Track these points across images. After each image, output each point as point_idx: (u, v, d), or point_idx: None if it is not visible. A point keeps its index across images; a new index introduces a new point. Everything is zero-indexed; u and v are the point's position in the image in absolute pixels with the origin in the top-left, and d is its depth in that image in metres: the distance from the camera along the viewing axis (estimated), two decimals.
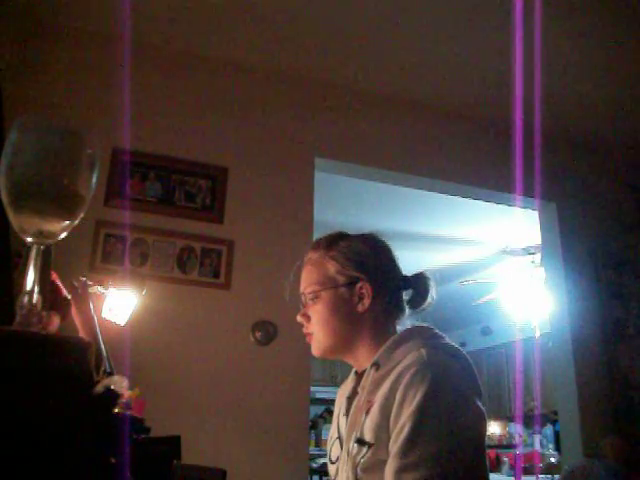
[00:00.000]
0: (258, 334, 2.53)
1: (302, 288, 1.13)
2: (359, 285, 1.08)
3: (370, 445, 0.93)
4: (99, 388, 0.65)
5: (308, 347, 2.84)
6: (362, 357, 1.08)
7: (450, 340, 1.04)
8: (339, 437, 1.08)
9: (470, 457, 0.89)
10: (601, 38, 2.63)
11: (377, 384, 0.99)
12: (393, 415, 0.91)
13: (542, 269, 3.49)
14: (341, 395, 1.17)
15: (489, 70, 2.85)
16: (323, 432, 6.98)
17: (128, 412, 0.81)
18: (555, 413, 4.83)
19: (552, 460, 5.01)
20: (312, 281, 1.11)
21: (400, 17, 2.54)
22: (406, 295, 1.12)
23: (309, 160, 2.87)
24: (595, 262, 3.24)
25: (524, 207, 3.43)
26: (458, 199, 3.48)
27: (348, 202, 4.05)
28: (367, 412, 0.97)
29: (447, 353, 0.98)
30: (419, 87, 3.04)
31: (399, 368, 0.96)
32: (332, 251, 1.12)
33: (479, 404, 0.93)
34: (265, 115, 2.86)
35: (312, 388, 2.60)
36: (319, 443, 6.91)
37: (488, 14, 2.49)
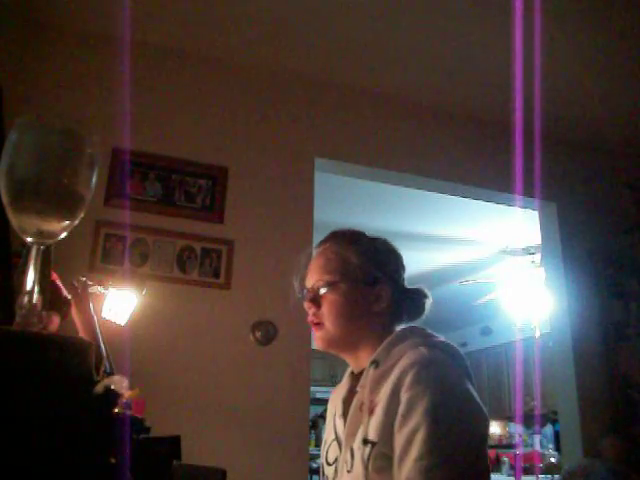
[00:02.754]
0: (258, 334, 2.53)
1: (316, 275, 1.10)
2: (379, 286, 1.08)
3: (374, 444, 0.93)
4: (99, 388, 0.65)
5: (308, 347, 2.81)
6: (363, 356, 1.08)
7: (444, 338, 1.04)
8: (336, 439, 1.08)
9: (480, 450, 0.91)
10: (601, 39, 2.63)
11: (377, 382, 0.99)
12: (400, 414, 0.91)
13: (542, 269, 3.49)
14: (336, 397, 1.17)
15: (489, 70, 2.85)
16: (323, 432, 6.98)
17: (128, 412, 0.81)
18: (555, 413, 4.83)
19: (552, 460, 5.01)
20: (331, 270, 1.08)
21: (400, 17, 2.54)
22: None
23: (309, 160, 2.87)
24: (595, 262, 3.24)
25: (524, 207, 3.43)
26: (458, 199, 3.48)
27: (348, 202, 4.05)
28: (371, 412, 0.96)
29: (444, 351, 0.99)
30: (419, 87, 3.04)
31: (400, 366, 0.96)
32: (356, 245, 1.11)
33: (479, 400, 0.94)
34: (265, 115, 2.86)
35: (312, 388, 2.60)
36: (319, 443, 6.91)
37: (488, 14, 2.49)
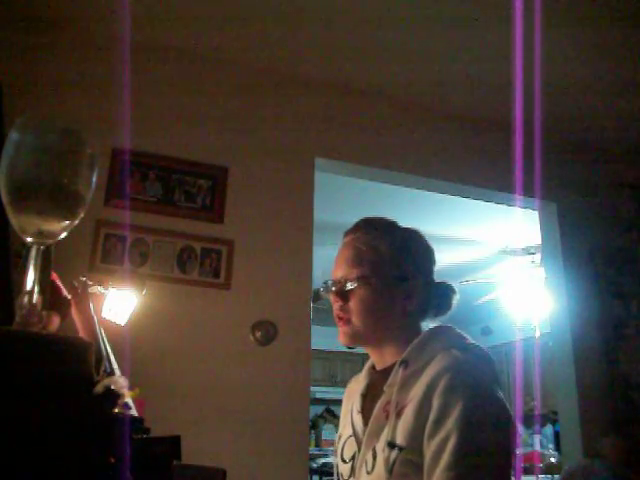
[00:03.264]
0: (258, 334, 2.53)
1: (345, 267, 1.05)
2: (412, 283, 1.03)
3: (401, 448, 0.90)
4: (99, 388, 0.65)
5: (308, 347, 2.81)
6: (389, 353, 1.04)
7: (472, 339, 1.01)
8: (354, 435, 1.04)
9: (508, 460, 0.89)
10: (601, 39, 2.62)
11: (407, 383, 0.96)
12: (431, 421, 0.88)
13: (542, 269, 3.49)
14: (353, 391, 1.13)
15: (489, 70, 2.85)
16: (323, 432, 6.99)
17: (128, 412, 0.81)
18: (555, 413, 4.83)
19: (552, 460, 5.00)
20: (361, 262, 1.03)
21: (400, 17, 2.54)
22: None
23: (309, 160, 2.87)
24: (595, 262, 3.24)
25: (524, 207, 3.43)
26: (458, 199, 3.48)
27: (348, 202, 4.05)
28: (398, 415, 0.93)
29: (477, 355, 0.96)
30: (419, 87, 3.04)
31: (432, 369, 0.93)
32: (389, 236, 1.05)
33: (508, 407, 0.91)
34: (265, 115, 2.86)
35: (312, 388, 2.61)
36: (319, 443, 6.91)
37: (488, 14, 2.49)
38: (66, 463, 0.58)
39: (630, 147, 3.46)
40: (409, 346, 1.00)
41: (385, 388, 0.99)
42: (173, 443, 0.93)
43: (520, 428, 6.13)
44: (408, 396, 0.94)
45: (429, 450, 0.87)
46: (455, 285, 1.10)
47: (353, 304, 1.02)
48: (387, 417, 0.96)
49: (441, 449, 0.85)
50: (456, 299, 1.09)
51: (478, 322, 7.09)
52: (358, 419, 1.05)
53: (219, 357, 2.45)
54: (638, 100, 3.04)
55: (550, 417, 5.64)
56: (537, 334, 5.17)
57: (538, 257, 4.82)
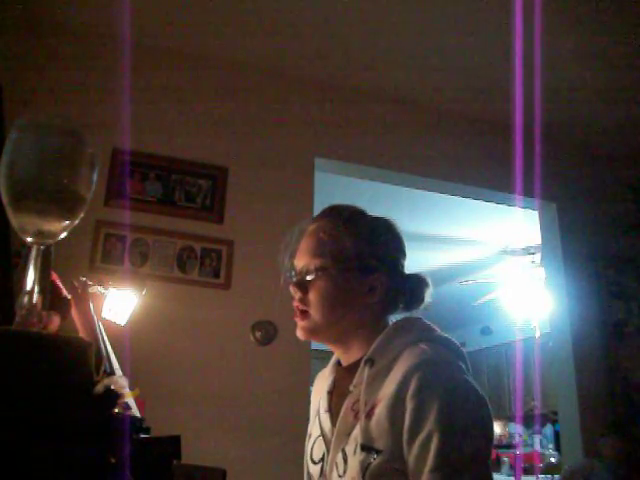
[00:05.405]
0: (258, 334, 2.53)
1: (306, 257, 1.00)
2: (375, 276, 0.97)
3: (378, 451, 0.86)
4: (99, 388, 0.65)
5: (308, 347, 2.80)
6: (354, 349, 0.99)
7: (440, 331, 0.98)
8: (322, 435, 1.00)
9: (489, 452, 0.87)
10: (602, 39, 2.62)
11: (374, 382, 0.92)
12: (408, 424, 0.84)
13: (542, 269, 3.49)
14: (319, 389, 1.08)
15: (489, 70, 2.85)
16: None
17: (128, 412, 0.81)
18: (555, 413, 4.83)
19: (552, 460, 5.01)
20: (322, 253, 0.98)
21: (400, 17, 2.54)
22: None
23: (309, 160, 2.87)
24: (595, 262, 3.24)
25: (524, 207, 3.43)
26: (458, 199, 3.48)
27: (348, 202, 4.04)
28: (368, 415, 0.89)
29: (446, 347, 0.93)
30: (419, 87, 3.04)
31: (401, 366, 0.89)
32: (353, 227, 1.00)
33: (483, 394, 0.89)
34: (265, 115, 2.86)
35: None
36: None
37: (488, 14, 2.49)
38: (66, 463, 0.58)
39: (630, 147, 3.46)
40: (374, 343, 0.95)
41: (351, 388, 0.95)
42: (173, 443, 0.93)
43: (520, 428, 6.14)
44: (377, 395, 0.90)
45: (411, 454, 0.83)
46: (427, 277, 1.04)
47: (312, 296, 0.97)
48: (355, 417, 0.92)
49: (424, 451, 0.82)
50: (429, 292, 1.02)
51: (478, 322, 7.09)
52: (325, 418, 1.01)
53: (219, 357, 2.45)
54: (639, 101, 3.04)
55: (550, 417, 5.64)
56: (537, 334, 5.18)
57: (538, 257, 4.82)
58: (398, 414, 0.85)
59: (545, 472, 4.88)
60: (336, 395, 1.02)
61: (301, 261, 1.01)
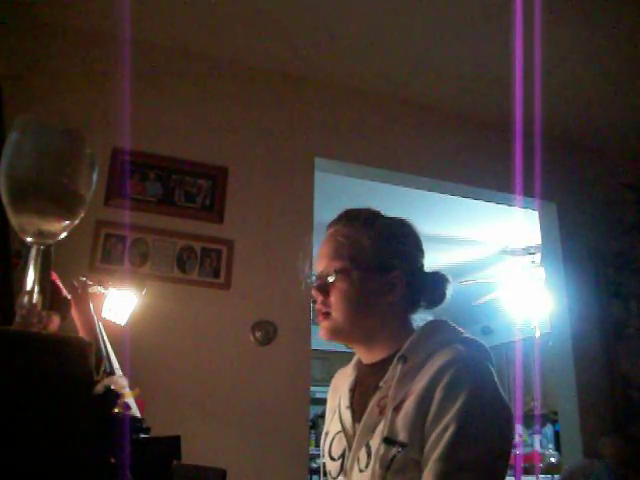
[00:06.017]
0: (258, 334, 2.53)
1: (326, 261, 1.03)
2: (394, 274, 1.00)
3: (404, 445, 0.87)
4: (99, 388, 0.65)
5: (308, 347, 2.80)
6: (378, 348, 1.01)
7: (471, 335, 1.00)
8: (343, 431, 1.01)
9: (505, 455, 0.88)
10: (601, 39, 2.62)
11: (405, 378, 0.93)
12: (432, 414, 0.86)
13: (542, 269, 3.49)
14: (341, 386, 1.10)
15: (489, 70, 2.85)
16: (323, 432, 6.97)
17: (128, 412, 0.81)
18: (555, 413, 4.83)
19: (552, 460, 5.01)
20: (343, 256, 1.01)
21: (400, 17, 2.54)
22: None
23: (309, 160, 2.87)
24: (595, 262, 3.24)
25: (524, 207, 3.43)
26: (458, 199, 3.48)
27: (348, 202, 4.04)
28: (396, 409, 0.90)
29: (478, 349, 0.95)
30: (419, 87, 3.04)
31: (435, 363, 0.91)
32: (370, 229, 1.03)
33: (508, 403, 0.90)
34: (265, 115, 2.86)
35: (312, 388, 2.60)
36: (319, 443, 6.90)
37: (488, 14, 2.49)
38: (66, 463, 0.58)
39: (630, 147, 3.46)
40: (407, 341, 0.97)
41: (381, 384, 0.96)
42: (173, 443, 0.93)
43: (520, 428, 6.14)
44: (408, 390, 0.91)
45: (429, 440, 0.85)
46: (447, 274, 1.07)
47: (334, 298, 1.00)
48: (381, 412, 0.93)
49: (439, 438, 0.84)
50: (450, 289, 1.06)
51: (478, 322, 7.09)
52: (347, 414, 1.02)
53: (219, 357, 2.45)
54: (638, 101, 3.04)
55: (550, 417, 5.64)
56: (537, 334, 5.17)
57: (538, 257, 4.82)
58: (426, 403, 0.88)
59: (545, 472, 4.88)
60: (358, 392, 1.04)
61: (321, 265, 1.04)
